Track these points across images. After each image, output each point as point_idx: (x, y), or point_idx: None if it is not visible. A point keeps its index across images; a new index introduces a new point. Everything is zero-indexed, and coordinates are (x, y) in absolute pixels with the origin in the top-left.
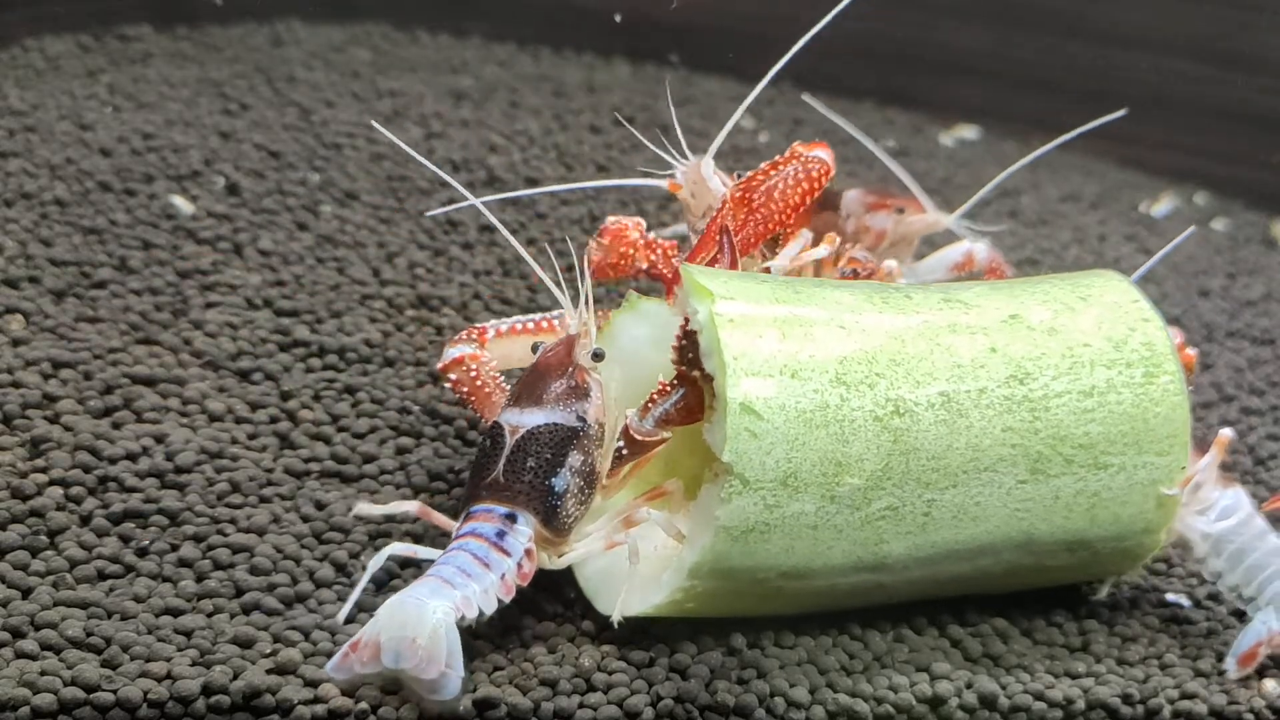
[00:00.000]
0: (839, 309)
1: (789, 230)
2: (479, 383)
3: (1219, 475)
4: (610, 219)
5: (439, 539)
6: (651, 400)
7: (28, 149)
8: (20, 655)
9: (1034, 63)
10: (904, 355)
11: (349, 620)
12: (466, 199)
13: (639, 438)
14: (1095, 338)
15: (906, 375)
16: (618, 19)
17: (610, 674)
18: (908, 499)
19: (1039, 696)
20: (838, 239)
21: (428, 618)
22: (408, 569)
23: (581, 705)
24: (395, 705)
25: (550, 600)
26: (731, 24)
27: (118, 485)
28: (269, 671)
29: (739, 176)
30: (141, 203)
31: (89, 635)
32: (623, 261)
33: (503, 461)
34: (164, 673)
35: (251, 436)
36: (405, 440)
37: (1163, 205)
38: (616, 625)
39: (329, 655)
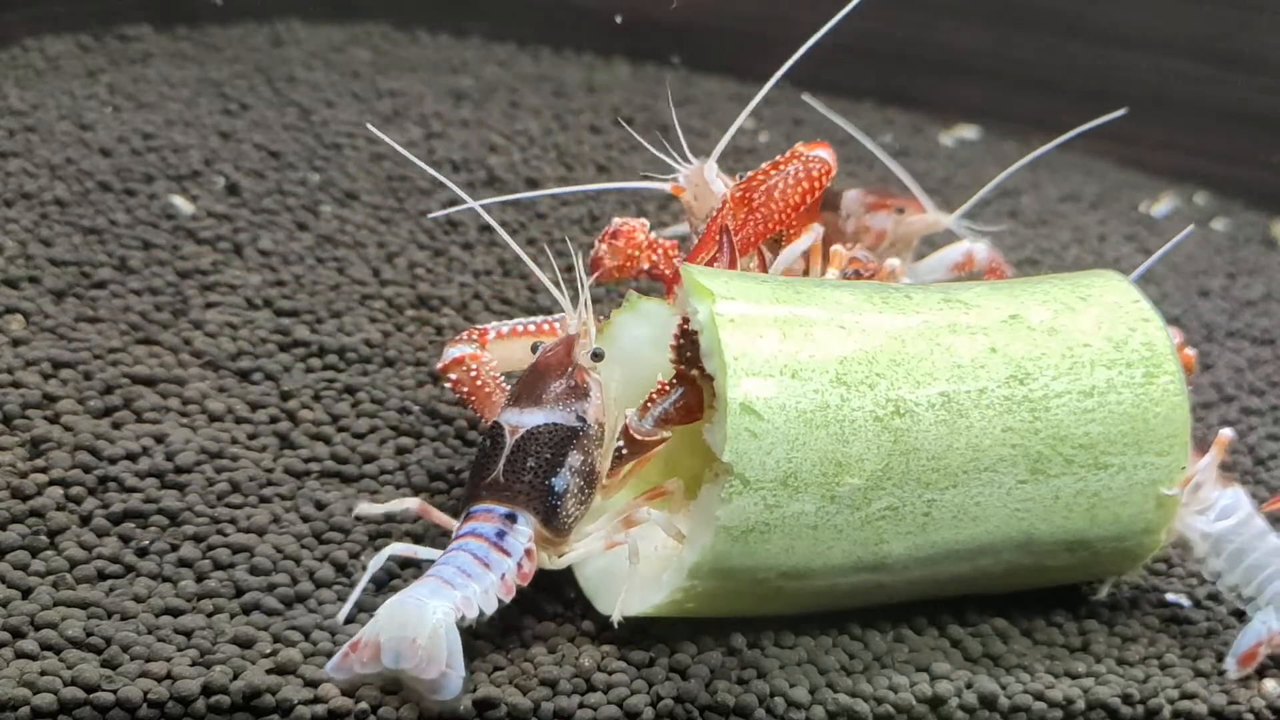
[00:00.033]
0: (839, 309)
1: (792, 231)
2: (479, 383)
3: (1219, 475)
4: (617, 221)
5: (439, 539)
6: (651, 400)
7: (28, 149)
8: (20, 655)
9: (1034, 63)
10: (904, 355)
11: (349, 620)
12: (468, 201)
13: (638, 437)
14: (1095, 338)
15: (907, 375)
16: (618, 20)
17: (610, 674)
18: (908, 499)
19: (1039, 696)
20: (821, 228)
21: (428, 618)
22: (408, 569)
23: (581, 705)
24: (395, 705)
25: (550, 600)
26: (731, 24)
27: (118, 485)
28: (269, 671)
29: (740, 177)
30: (141, 203)
31: (89, 635)
32: (629, 264)
33: (503, 461)
34: (164, 673)
35: (251, 436)
36: (405, 440)
37: (1163, 205)
38: (617, 625)
39: (329, 655)
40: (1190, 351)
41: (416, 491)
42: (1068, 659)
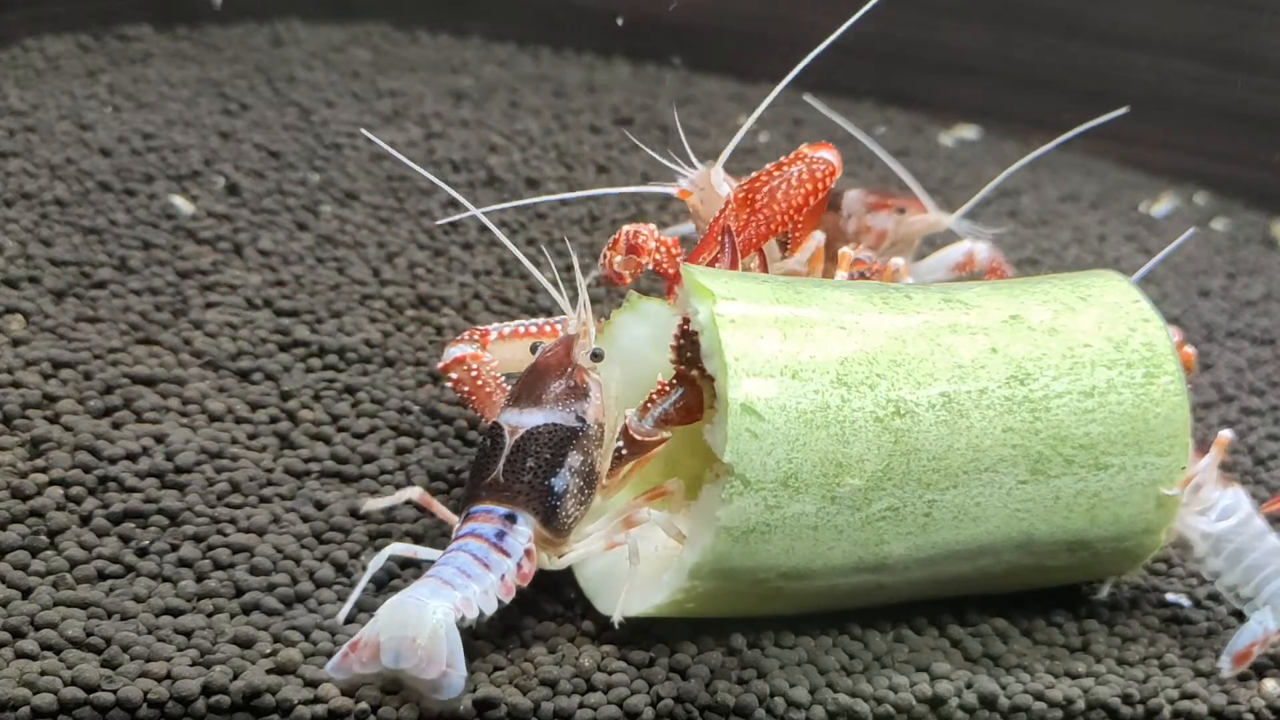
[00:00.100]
0: (839, 309)
1: (796, 231)
2: (480, 382)
3: (1219, 475)
4: (629, 230)
5: (439, 539)
6: (651, 400)
7: (28, 149)
8: (20, 655)
9: (1034, 63)
10: (905, 356)
11: (349, 620)
12: (471, 206)
13: (638, 438)
14: (1096, 338)
15: (907, 376)
16: (619, 22)
17: (610, 674)
18: (908, 499)
19: (1039, 696)
20: (821, 236)
21: (428, 618)
22: (408, 569)
23: (581, 705)
24: (395, 705)
25: (550, 600)
26: (731, 24)
27: (118, 485)
28: (269, 671)
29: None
30: (141, 203)
31: (89, 635)
32: (638, 270)
33: (502, 462)
34: (164, 673)
35: (251, 436)
36: (405, 440)
37: (1163, 205)
38: (618, 626)
39: (329, 655)
40: (1190, 350)
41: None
42: (1068, 659)
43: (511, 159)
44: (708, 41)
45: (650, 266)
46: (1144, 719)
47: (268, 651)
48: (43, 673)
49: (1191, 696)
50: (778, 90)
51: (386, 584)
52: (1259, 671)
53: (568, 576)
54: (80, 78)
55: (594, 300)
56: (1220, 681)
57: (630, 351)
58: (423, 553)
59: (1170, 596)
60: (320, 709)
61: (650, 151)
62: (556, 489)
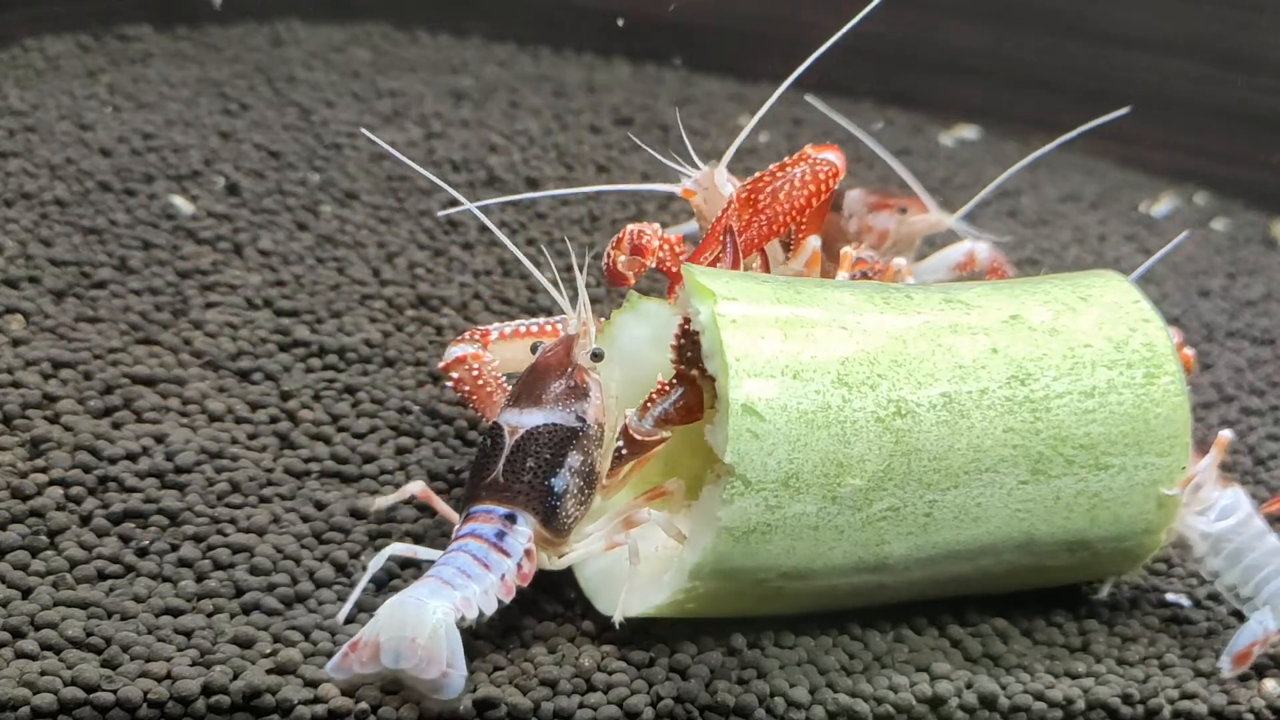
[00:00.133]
0: (840, 309)
1: (799, 232)
2: (480, 382)
3: (1219, 475)
4: (633, 229)
5: (439, 539)
6: (651, 400)
7: (28, 149)
8: (20, 655)
9: (1034, 63)
10: (906, 356)
11: (349, 620)
12: (465, 200)
13: (638, 437)
14: (1096, 338)
15: (908, 376)
16: (620, 23)
17: (610, 674)
18: (909, 500)
19: (1039, 696)
20: (818, 240)
21: (427, 618)
22: (408, 569)
23: (581, 705)
24: (395, 705)
25: (550, 600)
26: (732, 24)
27: (118, 485)
28: (269, 671)
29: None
30: (141, 203)
31: (89, 635)
32: (641, 270)
33: (502, 462)
34: (164, 673)
35: (251, 436)
36: (405, 440)
37: (1163, 205)
38: (618, 626)
39: (329, 655)
40: (1189, 351)
41: None
42: (1068, 659)
43: (511, 159)
44: (708, 41)
45: (654, 265)
46: (1144, 719)
47: (268, 651)
48: (43, 673)
49: (1191, 696)
50: (781, 90)
51: (386, 584)
52: (1259, 671)
53: (568, 576)
54: (80, 78)
55: (594, 300)
56: (1220, 681)
57: (630, 351)
58: (423, 553)
59: (1170, 596)
60: (320, 709)
61: (655, 154)
62: (556, 489)
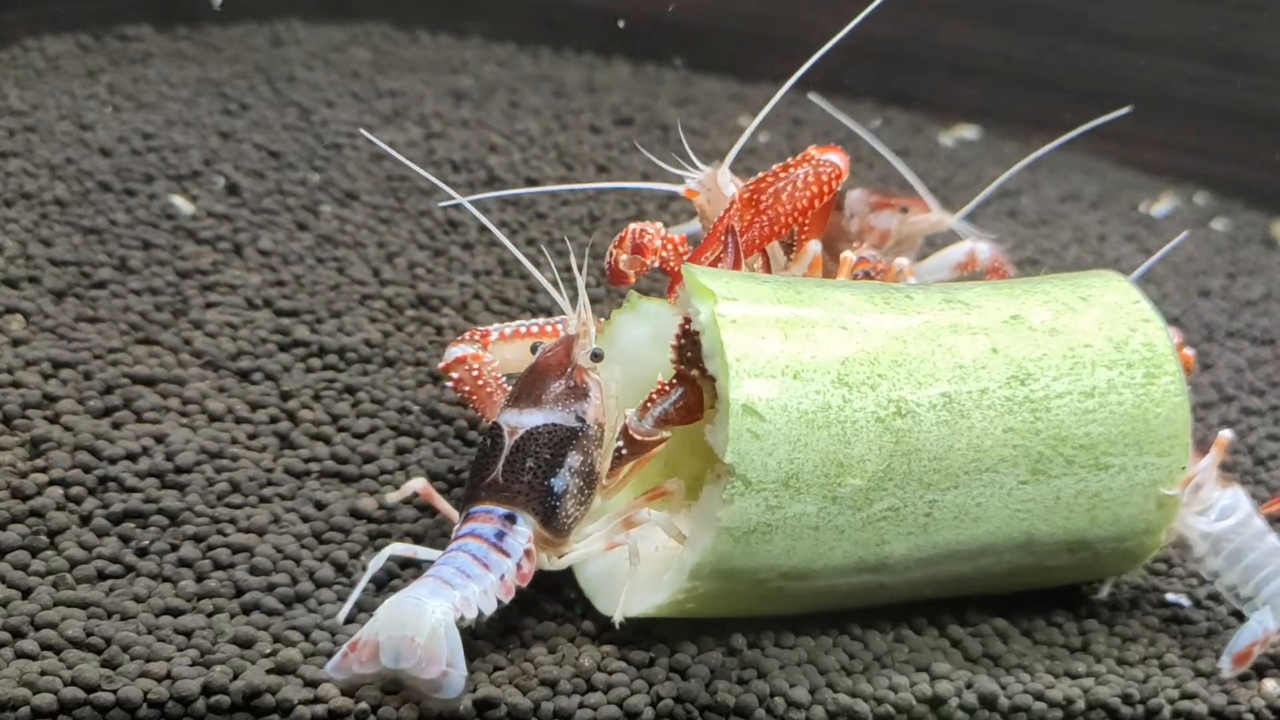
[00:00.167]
0: (841, 310)
1: (802, 234)
2: (480, 382)
3: (1219, 475)
4: (635, 228)
5: (439, 539)
6: (650, 400)
7: (28, 149)
8: (20, 655)
9: (1034, 63)
10: (906, 356)
11: (349, 620)
12: (473, 198)
13: (638, 437)
14: (1096, 338)
15: (908, 376)
16: (621, 24)
17: (610, 674)
18: (909, 500)
19: (1039, 696)
20: (818, 244)
21: (427, 617)
22: (408, 569)
23: (581, 705)
24: (395, 705)
25: (550, 600)
26: (732, 24)
27: (118, 485)
28: (269, 671)
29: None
30: (141, 203)
31: (89, 635)
32: (643, 270)
33: (501, 462)
34: (164, 673)
35: (251, 436)
36: (405, 440)
37: (1163, 205)
38: (618, 626)
39: (329, 655)
40: (1189, 352)
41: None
42: (1068, 659)
43: (511, 159)
44: (708, 41)
45: (657, 265)
46: (1144, 719)
47: (268, 651)
48: (43, 673)
49: (1191, 696)
50: (784, 90)
51: (386, 584)
52: (1259, 671)
53: (568, 576)
54: (80, 78)
55: (594, 300)
56: (1220, 681)
57: (630, 351)
58: (423, 553)
59: (1170, 596)
60: (320, 709)
61: (658, 157)
62: (556, 489)
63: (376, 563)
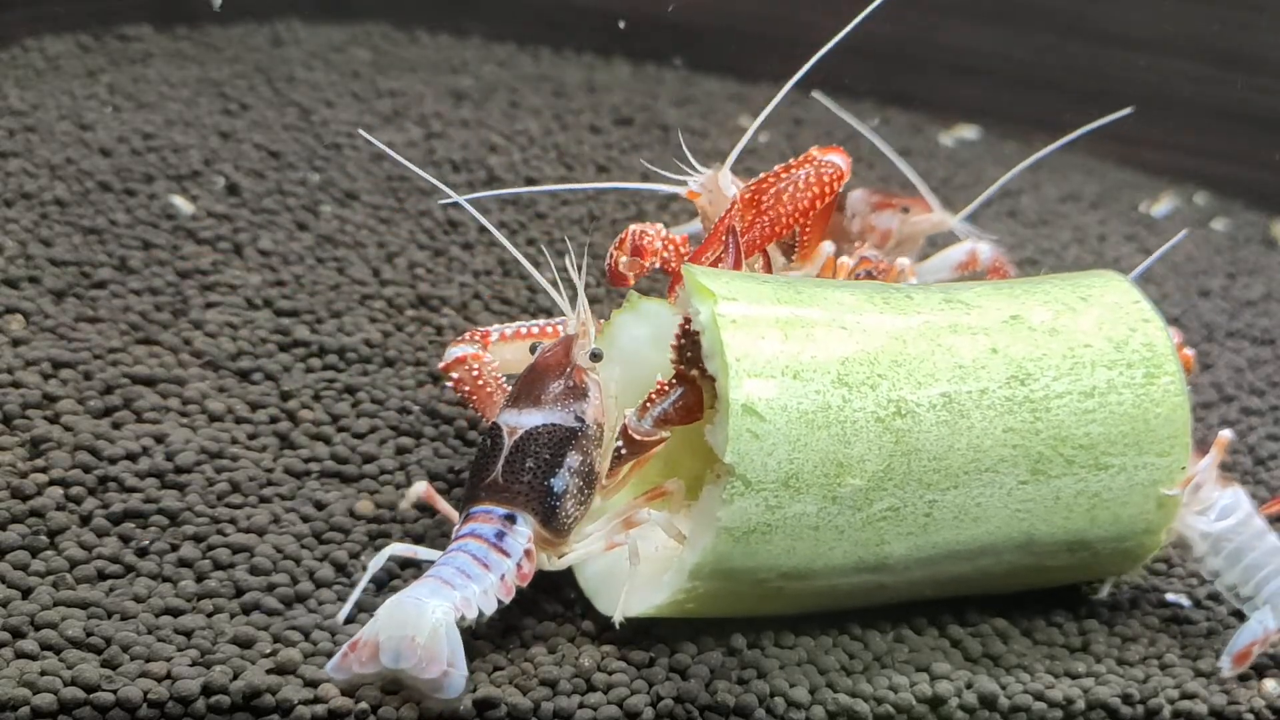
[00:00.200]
0: (840, 310)
1: (804, 235)
2: (480, 382)
3: (1219, 475)
4: (635, 226)
5: (439, 539)
6: (650, 400)
7: (28, 149)
8: (20, 655)
9: (1034, 63)
10: (905, 356)
11: (349, 620)
12: (470, 197)
13: (637, 437)
14: (1096, 338)
15: (908, 376)
16: (622, 25)
17: (610, 674)
18: (909, 500)
19: (1039, 696)
20: (831, 246)
21: (427, 617)
22: (408, 569)
23: (581, 705)
24: (395, 705)
25: (550, 600)
26: (732, 24)
27: (118, 485)
28: (269, 671)
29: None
30: (141, 203)
31: (89, 635)
32: (641, 272)
33: (501, 462)
34: (164, 673)
35: (251, 436)
36: (405, 440)
37: (1163, 205)
38: (618, 626)
39: (329, 655)
40: (1189, 352)
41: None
42: (1068, 659)
43: (511, 159)
44: (708, 41)
45: (658, 265)
46: (1144, 719)
47: (268, 651)
48: (43, 673)
49: (1191, 696)
50: (785, 91)
51: (386, 584)
52: (1259, 671)
53: (568, 576)
54: (80, 78)
55: (594, 300)
56: (1220, 681)
57: (630, 351)
58: (423, 553)
59: (1170, 596)
60: (320, 709)
61: (658, 159)
62: (556, 489)
63: (376, 563)
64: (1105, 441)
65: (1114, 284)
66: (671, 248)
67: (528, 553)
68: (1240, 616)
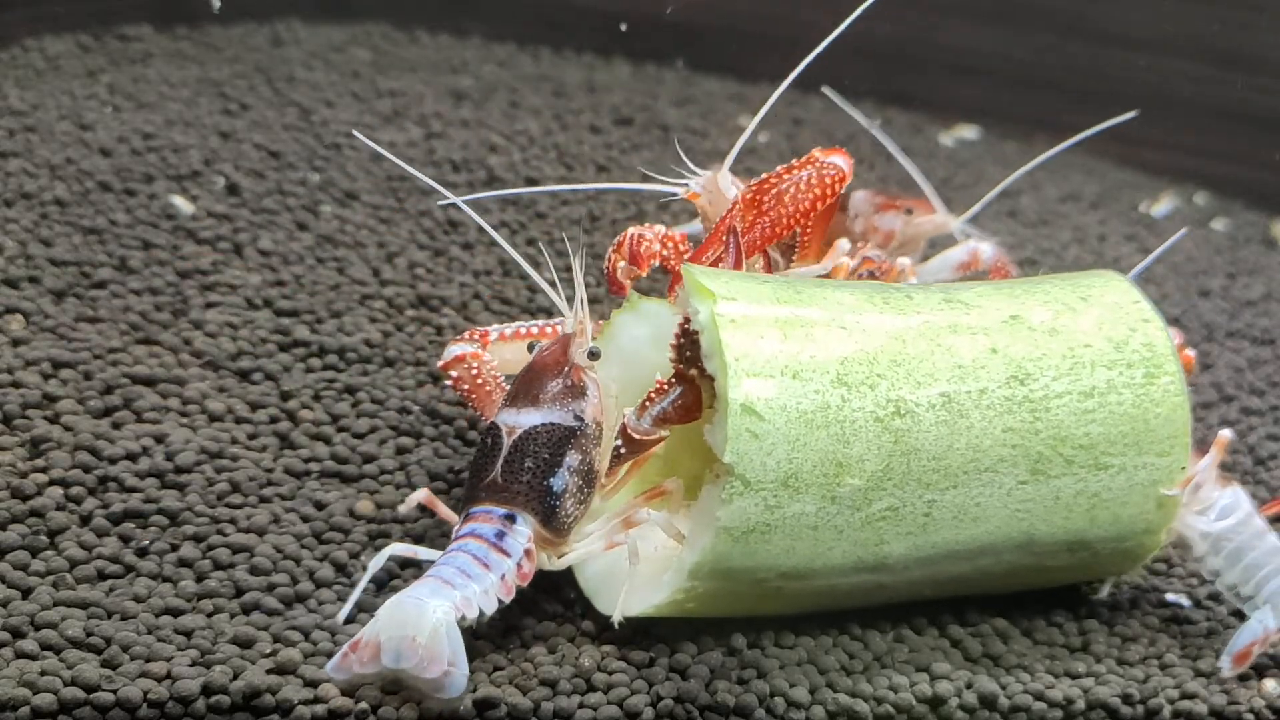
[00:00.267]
0: (840, 309)
1: (805, 236)
2: (480, 380)
3: (1218, 475)
4: (633, 230)
5: (439, 539)
6: (649, 399)
7: (28, 149)
8: (20, 655)
9: (1034, 63)
10: (905, 356)
11: (349, 620)
12: (468, 198)
13: (637, 436)
14: (1096, 338)
15: (907, 376)
16: (623, 28)
17: (610, 674)
18: (908, 499)
19: (1039, 696)
20: (847, 244)
21: (428, 617)
22: (408, 569)
23: (581, 705)
24: (395, 705)
25: (550, 600)
26: (732, 24)
27: (118, 485)
28: (269, 671)
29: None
30: (141, 203)
31: (89, 635)
32: (637, 278)
33: (500, 462)
34: (164, 673)
35: (251, 436)
36: (405, 440)
37: (1163, 205)
38: (618, 626)
39: (329, 655)
40: (1190, 353)
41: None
42: (1068, 659)
43: (511, 159)
44: (708, 41)
45: (658, 264)
46: (1144, 719)
47: (268, 651)
48: (43, 673)
49: (1191, 696)
50: (780, 91)
51: (386, 584)
52: (1259, 671)
53: (568, 576)
54: (80, 78)
55: (593, 300)
56: (1220, 681)
57: (630, 351)
58: (423, 553)
59: (1170, 596)
60: (320, 709)
61: (660, 177)
62: (555, 489)
63: (377, 563)
64: (1105, 441)
65: (1114, 284)
66: (671, 245)
67: (528, 552)
68: (1240, 616)
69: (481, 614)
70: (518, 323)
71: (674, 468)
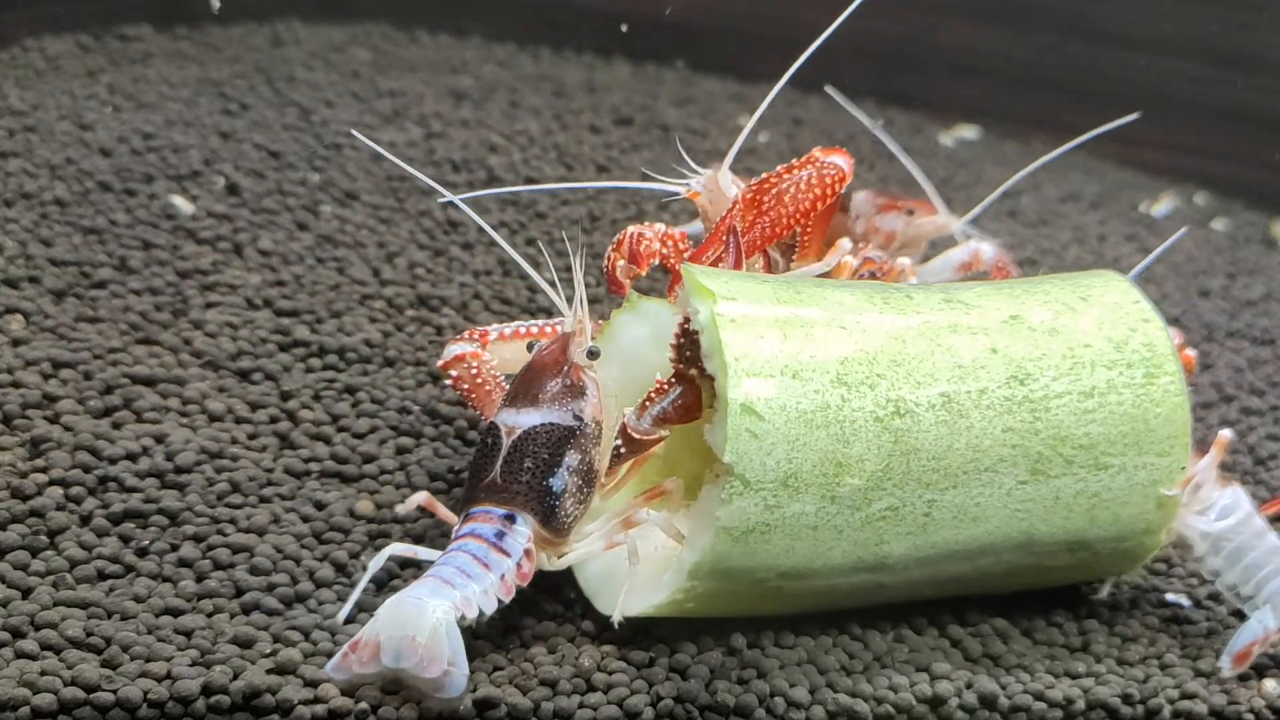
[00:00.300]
0: (840, 309)
1: (804, 236)
2: (479, 380)
3: (1218, 475)
4: (632, 229)
5: (439, 539)
6: (649, 399)
7: (28, 149)
8: (20, 655)
9: (1034, 63)
10: (905, 356)
11: (349, 620)
12: (466, 196)
13: (636, 436)
14: (1096, 338)
15: (907, 376)
16: (624, 29)
17: (610, 674)
18: (908, 499)
19: (1039, 696)
20: (849, 243)
21: (428, 616)
22: (408, 569)
23: (581, 705)
24: (395, 705)
25: (550, 600)
26: (732, 24)
27: (118, 485)
28: (269, 671)
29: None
30: (141, 203)
31: (89, 635)
32: (636, 277)
33: (500, 463)
34: (164, 673)
35: (251, 436)
36: (405, 440)
37: (1163, 205)
38: (617, 626)
39: (329, 655)
40: (1190, 353)
41: (417, 492)
42: (1068, 659)
43: (511, 159)
44: (708, 42)
45: (658, 262)
46: (1144, 719)
47: (268, 651)
48: (43, 673)
49: (1191, 696)
50: (775, 91)
51: (386, 584)
52: (1259, 671)
53: (568, 576)
54: (80, 78)
55: (593, 300)
56: (1220, 681)
57: (630, 351)
58: (423, 553)
59: (1170, 596)
60: (320, 709)
61: (661, 179)
62: (555, 489)
63: (376, 563)
64: (1105, 441)
65: (1114, 284)
66: (671, 244)
67: (527, 552)
68: (1240, 616)
69: (481, 614)
70: (517, 322)
71: (674, 468)
